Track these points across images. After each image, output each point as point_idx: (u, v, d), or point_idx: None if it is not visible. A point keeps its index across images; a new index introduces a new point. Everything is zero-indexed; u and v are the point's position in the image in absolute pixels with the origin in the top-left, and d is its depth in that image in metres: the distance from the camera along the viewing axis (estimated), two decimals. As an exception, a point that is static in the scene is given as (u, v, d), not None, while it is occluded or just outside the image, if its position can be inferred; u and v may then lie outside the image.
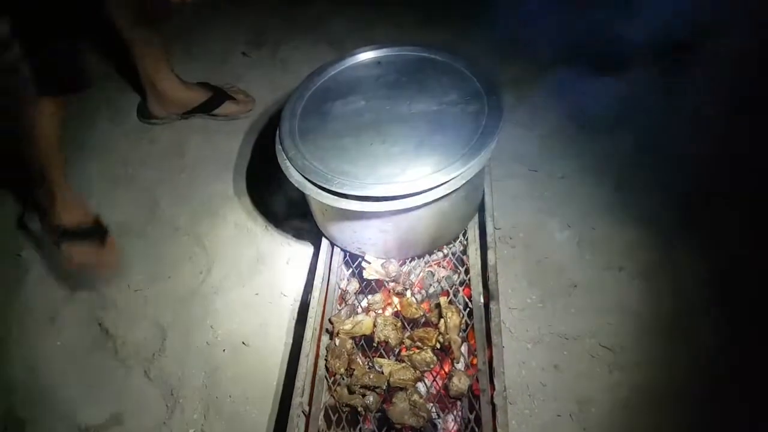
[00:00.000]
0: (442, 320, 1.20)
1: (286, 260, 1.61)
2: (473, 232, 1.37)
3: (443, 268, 1.38)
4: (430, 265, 1.38)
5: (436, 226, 1.27)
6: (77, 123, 1.97)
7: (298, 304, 1.53)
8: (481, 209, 1.41)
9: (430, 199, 1.15)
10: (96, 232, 1.53)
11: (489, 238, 1.33)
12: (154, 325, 1.52)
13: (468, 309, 1.25)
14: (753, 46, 1.97)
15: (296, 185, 1.24)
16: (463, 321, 1.22)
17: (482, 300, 1.25)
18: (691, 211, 1.58)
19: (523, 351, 1.38)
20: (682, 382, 1.30)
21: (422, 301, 1.32)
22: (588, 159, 1.74)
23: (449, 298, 1.26)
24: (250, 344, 1.47)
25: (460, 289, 1.31)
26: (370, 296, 1.32)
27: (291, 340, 1.46)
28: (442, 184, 1.15)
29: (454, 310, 1.20)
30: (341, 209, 1.19)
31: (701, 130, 1.77)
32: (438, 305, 1.23)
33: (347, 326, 1.22)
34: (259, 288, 1.57)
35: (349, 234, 1.30)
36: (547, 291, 1.48)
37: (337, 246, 1.39)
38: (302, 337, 1.24)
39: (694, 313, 1.40)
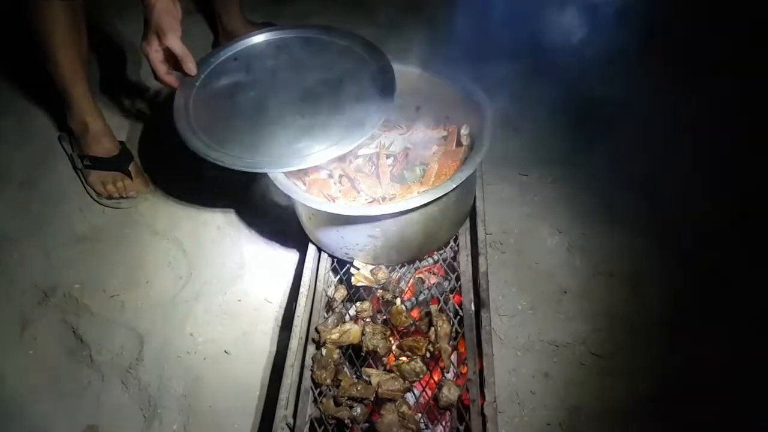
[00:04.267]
0: (432, 328, 1.17)
1: (270, 265, 1.57)
2: (464, 238, 1.34)
3: (434, 274, 1.35)
4: (421, 272, 1.35)
5: (426, 231, 1.23)
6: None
7: (282, 311, 1.48)
8: (472, 215, 1.38)
9: (420, 203, 1.12)
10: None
11: (480, 245, 1.31)
12: (131, 332, 1.46)
13: (458, 317, 1.22)
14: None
15: (283, 190, 1.20)
16: (454, 329, 1.19)
17: (473, 308, 1.21)
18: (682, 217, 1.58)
19: (513, 358, 1.36)
20: (672, 389, 1.29)
21: (412, 308, 1.28)
22: (579, 163, 1.73)
23: (439, 306, 1.23)
24: (233, 353, 1.42)
25: (451, 296, 1.27)
26: (358, 303, 1.28)
27: (275, 349, 1.42)
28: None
29: (444, 318, 1.17)
30: (328, 213, 1.16)
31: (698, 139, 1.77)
32: (428, 313, 1.19)
33: (334, 335, 1.17)
34: (242, 294, 1.52)
35: (337, 239, 1.26)
36: (538, 297, 1.46)
37: (325, 252, 1.35)
38: (287, 345, 1.20)
39: (683, 320, 1.39)
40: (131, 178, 1.71)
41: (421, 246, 1.28)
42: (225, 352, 1.42)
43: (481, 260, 1.28)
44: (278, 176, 1.22)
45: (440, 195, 1.12)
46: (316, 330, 1.21)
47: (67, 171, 1.81)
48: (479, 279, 1.25)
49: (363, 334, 1.18)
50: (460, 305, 1.23)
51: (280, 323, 1.46)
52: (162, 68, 1.29)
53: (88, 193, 1.74)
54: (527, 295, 1.46)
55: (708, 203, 1.60)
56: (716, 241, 1.52)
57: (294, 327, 1.22)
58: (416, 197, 1.14)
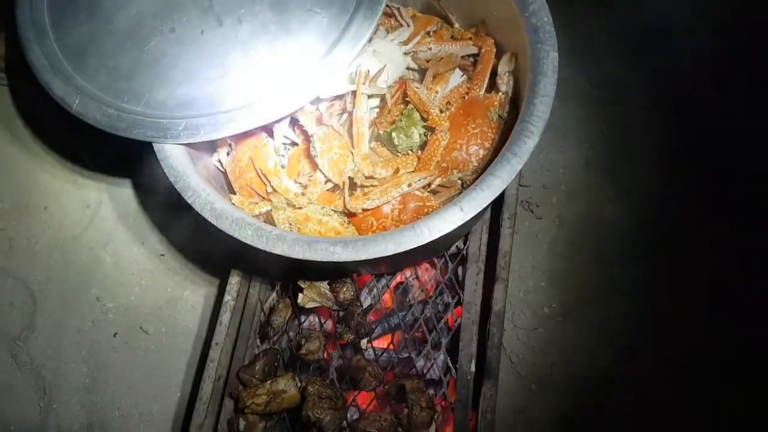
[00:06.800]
0: (406, 409, 0.77)
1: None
2: (477, 240, 0.85)
3: (420, 282, 0.89)
4: (403, 275, 0.89)
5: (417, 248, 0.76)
6: None
7: (221, 273, 1.08)
8: (497, 202, 0.86)
9: (400, 249, 0.63)
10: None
11: (500, 263, 0.82)
12: (21, 285, 1.10)
13: (448, 375, 0.81)
14: None
15: (169, 175, 0.71)
16: (439, 413, 0.80)
17: (472, 368, 0.80)
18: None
19: (525, 393, 0.98)
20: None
21: (383, 333, 0.87)
22: (688, 97, 1.11)
23: (421, 375, 0.81)
24: (151, 330, 1.07)
25: (443, 318, 0.85)
26: (305, 326, 0.87)
27: (207, 327, 1.06)
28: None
29: (424, 402, 0.76)
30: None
31: None
32: (401, 387, 0.78)
33: (260, 399, 0.79)
34: (167, 245, 1.11)
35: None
36: (575, 297, 1.02)
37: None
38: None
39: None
40: None
41: (410, 260, 0.82)
42: (141, 328, 1.07)
43: (497, 290, 0.81)
44: (165, 147, 0.71)
45: (434, 237, 0.63)
46: (238, 377, 0.83)
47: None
48: (490, 322, 0.81)
49: (303, 396, 0.79)
50: (453, 361, 0.81)
51: (215, 292, 1.07)
52: None
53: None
54: (560, 291, 1.02)
55: None
56: None
57: (209, 363, 0.84)
58: (392, 233, 0.64)
